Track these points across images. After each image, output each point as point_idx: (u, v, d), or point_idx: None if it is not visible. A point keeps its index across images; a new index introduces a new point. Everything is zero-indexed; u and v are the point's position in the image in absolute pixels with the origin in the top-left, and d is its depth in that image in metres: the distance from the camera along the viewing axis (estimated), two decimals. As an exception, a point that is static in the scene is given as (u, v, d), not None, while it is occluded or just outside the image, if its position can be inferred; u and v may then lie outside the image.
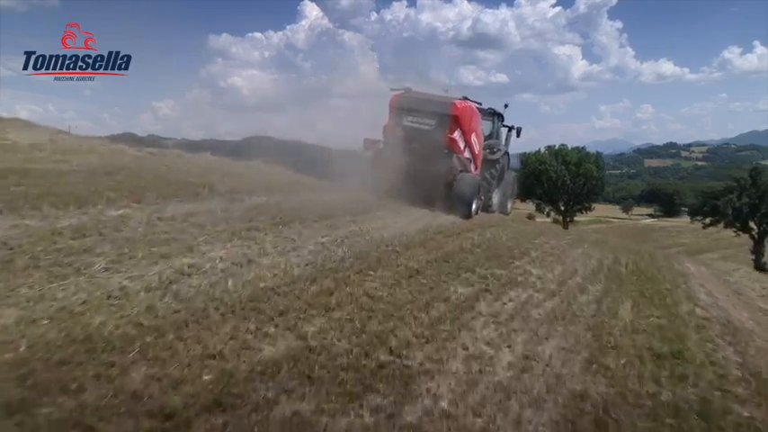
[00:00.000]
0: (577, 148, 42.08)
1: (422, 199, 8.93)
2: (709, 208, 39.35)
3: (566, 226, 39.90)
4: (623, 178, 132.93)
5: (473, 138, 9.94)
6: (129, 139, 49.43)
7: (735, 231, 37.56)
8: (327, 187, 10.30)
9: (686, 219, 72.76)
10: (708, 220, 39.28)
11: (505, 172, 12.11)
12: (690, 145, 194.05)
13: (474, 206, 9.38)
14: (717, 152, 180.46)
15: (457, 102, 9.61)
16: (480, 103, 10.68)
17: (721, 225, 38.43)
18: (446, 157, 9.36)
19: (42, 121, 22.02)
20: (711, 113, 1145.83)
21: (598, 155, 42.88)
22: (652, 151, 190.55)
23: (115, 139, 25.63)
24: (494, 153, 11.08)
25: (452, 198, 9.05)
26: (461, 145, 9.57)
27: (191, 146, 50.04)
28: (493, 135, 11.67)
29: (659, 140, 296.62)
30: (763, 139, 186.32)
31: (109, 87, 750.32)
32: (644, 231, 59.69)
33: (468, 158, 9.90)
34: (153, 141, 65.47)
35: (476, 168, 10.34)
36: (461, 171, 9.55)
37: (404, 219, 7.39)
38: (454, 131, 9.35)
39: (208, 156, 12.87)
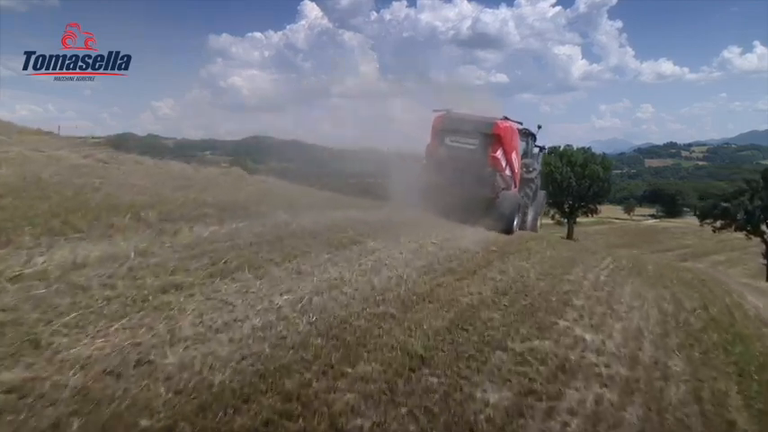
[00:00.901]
0: (583, 148, 40.46)
1: (465, 216, 8.70)
2: (720, 211, 37.89)
3: (571, 230, 38.35)
4: (624, 178, 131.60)
5: (513, 156, 9.98)
6: (129, 138, 48.30)
7: (746, 235, 36.07)
8: (318, 200, 8.66)
9: (688, 219, 71.66)
10: (718, 224, 37.84)
11: (538, 191, 12.09)
12: (690, 145, 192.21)
13: (515, 223, 9.36)
14: (717, 152, 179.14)
15: (499, 121, 9.70)
16: (521, 123, 10.64)
17: (729, 229, 37.06)
18: (489, 175, 9.38)
19: (41, 121, 21.22)
20: (711, 113, 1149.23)
21: (604, 156, 41.29)
22: (652, 151, 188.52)
23: (112, 140, 24.25)
24: (530, 172, 11.09)
25: (495, 215, 8.99)
26: (503, 163, 9.61)
27: (189, 146, 48.82)
28: (527, 154, 11.59)
29: (659, 140, 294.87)
30: (764, 138, 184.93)
31: (109, 87, 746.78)
32: (647, 233, 58.28)
33: (509, 176, 9.85)
34: (151, 141, 64.23)
35: (515, 186, 10.28)
36: (504, 189, 9.48)
37: (405, 249, 5.66)
38: (497, 150, 9.44)
39: (176, 163, 11.15)
